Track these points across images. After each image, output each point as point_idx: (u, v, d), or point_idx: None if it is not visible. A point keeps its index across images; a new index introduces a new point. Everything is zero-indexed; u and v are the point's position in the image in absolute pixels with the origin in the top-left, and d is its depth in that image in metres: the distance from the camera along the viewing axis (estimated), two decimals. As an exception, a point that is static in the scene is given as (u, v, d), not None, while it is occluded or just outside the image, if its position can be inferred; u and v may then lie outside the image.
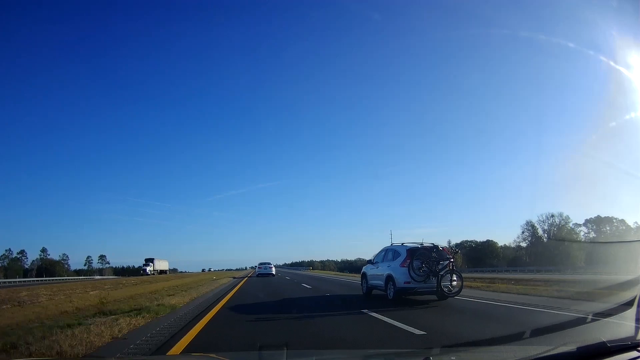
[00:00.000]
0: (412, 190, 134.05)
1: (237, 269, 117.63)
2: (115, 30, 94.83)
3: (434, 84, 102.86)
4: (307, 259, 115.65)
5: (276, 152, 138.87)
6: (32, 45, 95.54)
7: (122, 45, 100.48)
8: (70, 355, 5.14)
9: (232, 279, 32.14)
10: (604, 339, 2.43)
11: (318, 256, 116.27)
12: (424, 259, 10.69)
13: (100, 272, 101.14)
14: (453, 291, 10.48)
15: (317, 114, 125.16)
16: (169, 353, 5.30)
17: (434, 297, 10.92)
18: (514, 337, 5.16)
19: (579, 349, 2.40)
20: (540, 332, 5.54)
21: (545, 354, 2.55)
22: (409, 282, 10.55)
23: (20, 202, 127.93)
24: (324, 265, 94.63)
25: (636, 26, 6.95)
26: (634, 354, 2.36)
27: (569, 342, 2.79)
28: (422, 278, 10.48)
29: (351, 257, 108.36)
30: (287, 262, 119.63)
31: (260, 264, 39.28)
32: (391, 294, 11.07)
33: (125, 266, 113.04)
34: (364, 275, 13.73)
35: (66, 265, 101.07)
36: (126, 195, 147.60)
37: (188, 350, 5.43)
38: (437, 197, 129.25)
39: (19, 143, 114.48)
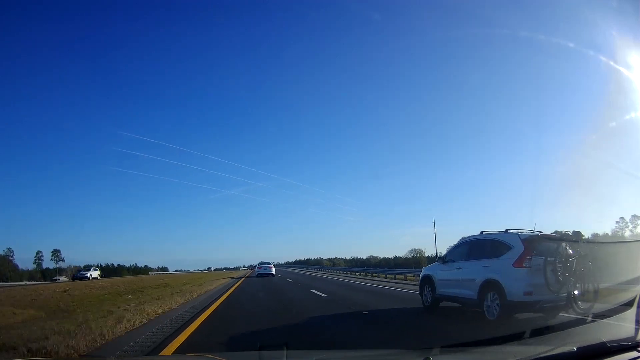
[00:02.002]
0: (412, 190, 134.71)
1: (234, 268, 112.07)
2: (116, 30, 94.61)
3: (434, 84, 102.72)
4: (312, 257, 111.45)
5: (277, 151, 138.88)
6: (31, 45, 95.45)
7: (122, 45, 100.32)
8: (69, 355, 5.14)
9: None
10: (604, 339, 2.43)
11: (325, 254, 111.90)
12: (559, 255, 7.08)
13: (59, 271, 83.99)
14: (585, 307, 6.87)
15: (317, 114, 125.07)
16: (165, 353, 5.32)
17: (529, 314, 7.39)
18: (514, 337, 5.16)
19: (579, 349, 2.40)
20: (540, 332, 5.53)
21: (545, 354, 2.55)
22: (530, 293, 6.86)
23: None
24: (334, 263, 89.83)
25: (636, 26, 6.97)
26: (634, 354, 2.36)
27: (569, 342, 2.79)
28: (559, 286, 6.90)
29: (361, 255, 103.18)
30: (289, 261, 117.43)
31: (260, 263, 39.40)
32: (495, 311, 7.17)
33: (105, 264, 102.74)
34: (427, 280, 9.55)
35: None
36: (122, 194, 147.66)
37: None
38: (437, 196, 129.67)
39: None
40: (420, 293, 9.92)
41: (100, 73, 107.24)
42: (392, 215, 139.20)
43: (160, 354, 5.30)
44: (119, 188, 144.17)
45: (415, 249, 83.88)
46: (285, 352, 3.31)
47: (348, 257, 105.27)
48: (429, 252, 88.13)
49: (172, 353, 5.34)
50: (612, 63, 8.38)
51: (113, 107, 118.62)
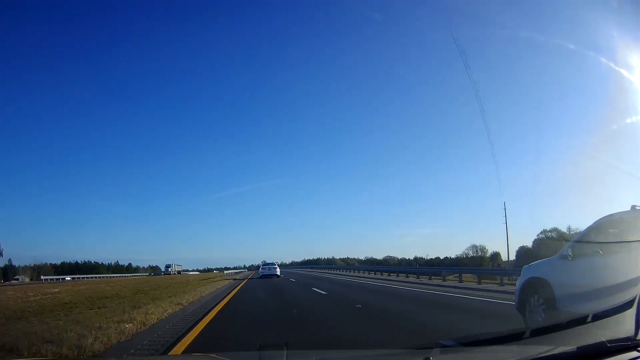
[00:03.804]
0: (413, 191, 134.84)
1: (234, 268, 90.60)
2: (114, 29, 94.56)
3: (434, 85, 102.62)
4: (316, 256, 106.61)
5: (280, 150, 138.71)
6: (31, 45, 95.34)
7: (120, 45, 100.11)
8: (70, 355, 5.15)
9: None
10: (604, 339, 2.43)
11: (330, 254, 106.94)
12: None
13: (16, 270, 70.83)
14: None
15: (318, 114, 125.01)
16: (170, 353, 5.34)
17: None
18: (514, 337, 5.16)
19: (579, 348, 2.41)
20: (540, 331, 5.54)
21: (545, 354, 2.55)
22: None
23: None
24: (347, 263, 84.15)
25: (636, 28, 6.96)
26: (634, 354, 2.37)
27: (569, 342, 2.80)
28: None
29: (376, 255, 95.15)
30: (295, 261, 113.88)
31: (264, 264, 39.02)
32: None
33: (83, 261, 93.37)
34: (534, 288, 6.42)
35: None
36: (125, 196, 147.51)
37: None
38: (437, 198, 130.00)
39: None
40: (521, 307, 6.64)
41: (98, 73, 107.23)
42: (393, 215, 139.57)
43: (169, 354, 5.37)
44: (115, 185, 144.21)
45: (475, 246, 70.67)
46: (285, 352, 3.32)
47: (362, 258, 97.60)
48: (430, 254, 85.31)
49: (182, 353, 5.39)
50: (612, 65, 8.37)
51: (108, 106, 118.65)
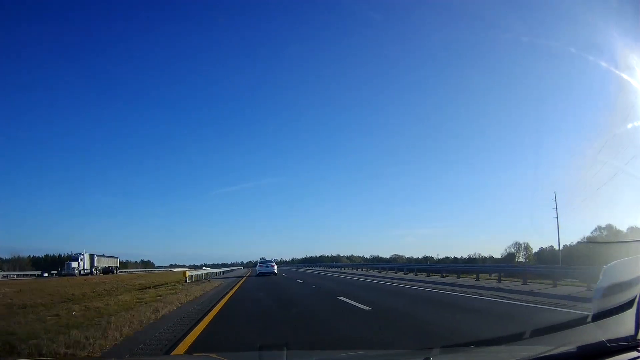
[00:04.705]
0: (412, 192, 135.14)
1: (233, 265, 79.47)
2: (114, 29, 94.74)
3: (435, 87, 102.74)
4: (317, 254, 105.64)
5: (281, 150, 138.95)
6: (31, 44, 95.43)
7: (119, 46, 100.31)
8: (71, 356, 5.16)
9: None
10: (604, 339, 2.43)
11: (329, 252, 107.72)
12: None
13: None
14: None
15: (318, 114, 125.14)
16: (172, 353, 5.37)
17: None
18: (514, 337, 5.16)
19: (579, 348, 2.40)
20: (540, 331, 5.54)
21: (545, 354, 2.55)
22: None
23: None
24: (352, 261, 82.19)
25: (636, 30, 6.94)
26: (634, 354, 2.36)
27: (569, 342, 2.79)
28: None
29: (381, 253, 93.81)
30: (295, 258, 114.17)
31: (262, 262, 38.71)
32: None
33: (67, 254, 67.29)
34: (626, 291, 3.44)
35: None
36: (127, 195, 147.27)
37: None
38: (438, 198, 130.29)
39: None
40: (603, 317, 4.32)
41: (97, 73, 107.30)
42: (394, 215, 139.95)
43: (172, 354, 5.38)
44: (115, 182, 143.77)
45: (518, 243, 67.77)
46: (285, 352, 3.32)
47: (367, 256, 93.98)
48: (441, 253, 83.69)
49: (183, 352, 5.42)
50: (612, 68, 8.36)
51: (109, 106, 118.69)
